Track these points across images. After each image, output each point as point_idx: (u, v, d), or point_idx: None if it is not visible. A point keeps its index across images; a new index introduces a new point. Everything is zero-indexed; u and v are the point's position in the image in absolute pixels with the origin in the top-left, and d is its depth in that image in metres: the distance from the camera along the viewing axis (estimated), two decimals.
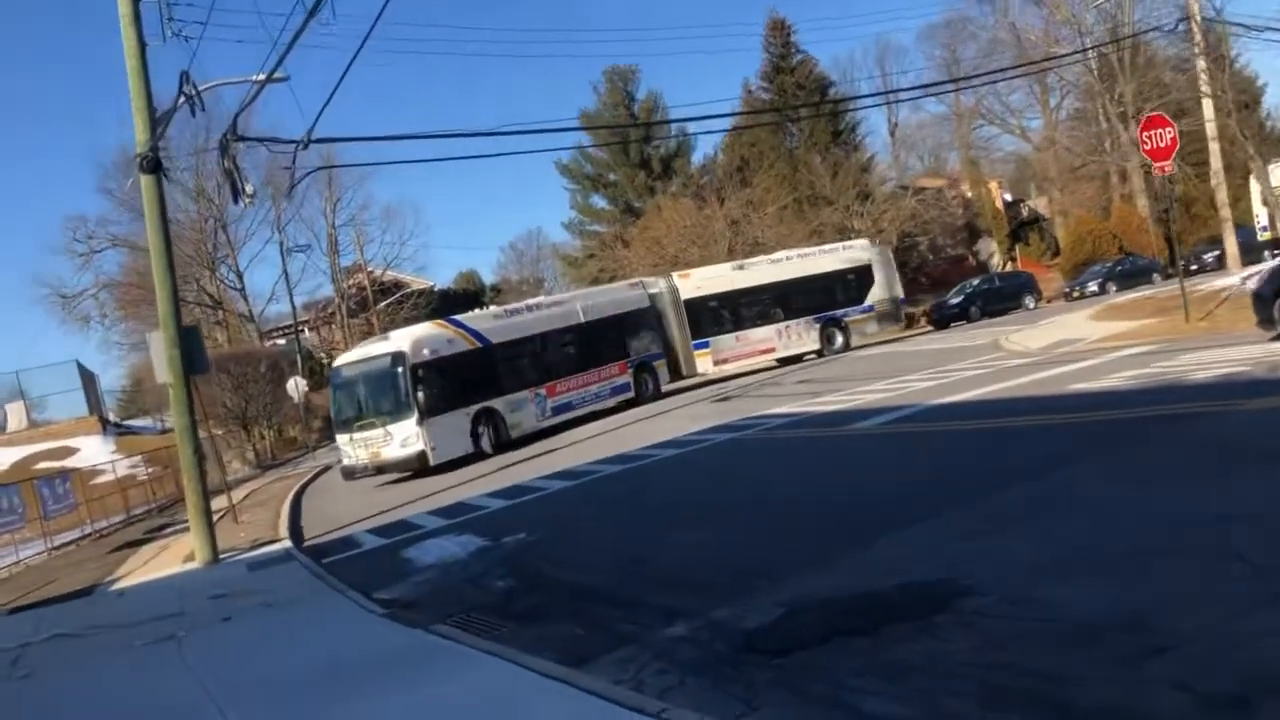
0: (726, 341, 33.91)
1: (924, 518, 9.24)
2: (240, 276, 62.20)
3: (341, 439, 25.81)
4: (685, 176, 60.05)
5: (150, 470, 43.30)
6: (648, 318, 32.44)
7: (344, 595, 12.26)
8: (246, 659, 9.59)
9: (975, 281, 46.13)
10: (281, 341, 64.88)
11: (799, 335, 35.34)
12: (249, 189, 18.81)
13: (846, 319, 36.24)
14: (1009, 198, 70.40)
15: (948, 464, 12.13)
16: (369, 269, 63.14)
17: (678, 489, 14.92)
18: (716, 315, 33.98)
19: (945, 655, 5.94)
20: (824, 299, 35.79)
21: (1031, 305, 43.07)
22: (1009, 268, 62.32)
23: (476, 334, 27.20)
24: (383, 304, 62.00)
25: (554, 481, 18.26)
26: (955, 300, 43.45)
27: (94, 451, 49.25)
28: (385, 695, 7.33)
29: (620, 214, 62.74)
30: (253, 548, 18.56)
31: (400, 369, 24.58)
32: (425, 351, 25.32)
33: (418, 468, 24.49)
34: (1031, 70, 49.87)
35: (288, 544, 18.20)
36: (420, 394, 24.53)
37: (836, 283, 36.22)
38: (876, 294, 37.14)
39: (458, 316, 28.91)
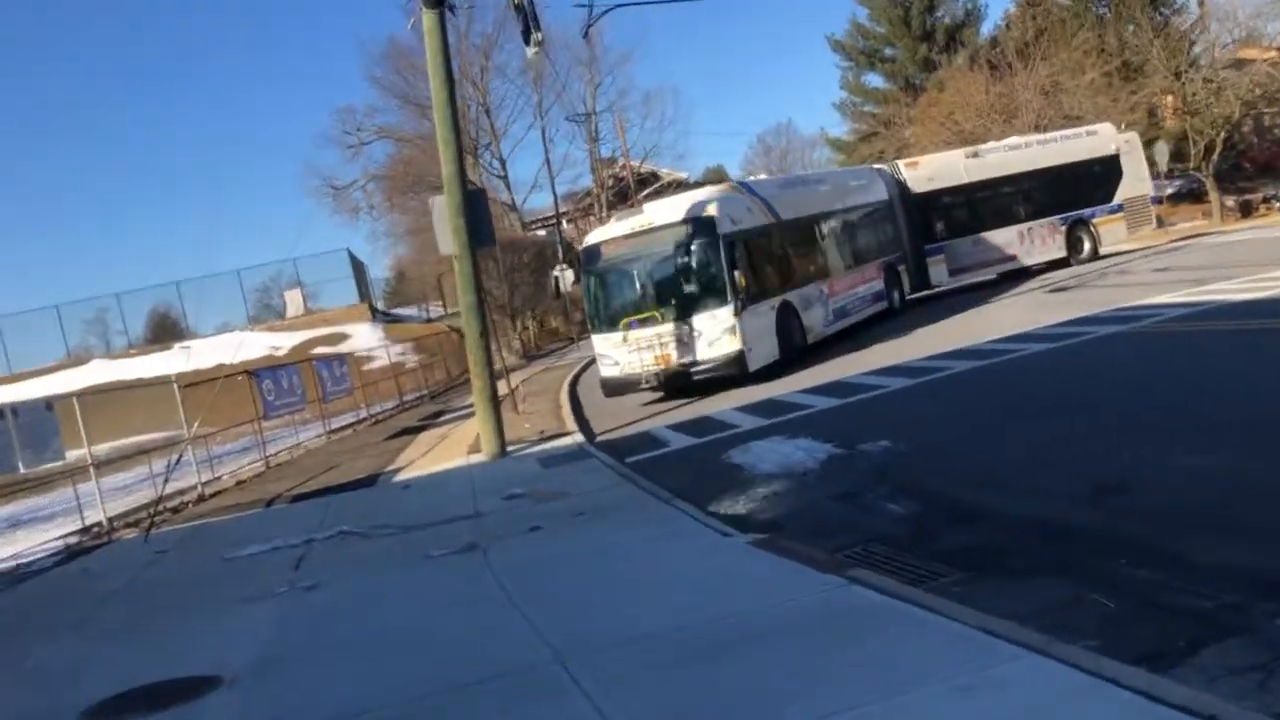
0: (963, 247, 28.04)
1: None
2: (503, 164, 61.53)
3: (602, 341, 19.48)
4: (974, 48, 54.27)
5: (419, 358, 43.44)
6: (889, 212, 27.03)
7: (671, 506, 9.89)
8: (583, 594, 7.28)
9: None
10: (542, 233, 64.22)
11: (1042, 239, 29.19)
12: (538, 36, 16.44)
13: (1094, 219, 29.94)
14: None
15: None
16: (629, 158, 61.08)
17: (1089, 390, 11.60)
18: (949, 214, 28.19)
19: None
20: (1069, 195, 29.55)
21: None
22: None
23: (769, 205, 21.45)
24: (642, 195, 59.95)
25: (889, 379, 15.32)
26: None
27: (365, 338, 50.20)
28: (888, 698, 4.55)
29: (899, 92, 57.67)
30: (541, 440, 16.69)
31: (710, 240, 18.24)
32: (731, 221, 19.06)
33: (734, 373, 18.11)
34: None
35: (579, 438, 16.21)
36: (736, 274, 18.27)
37: (1083, 176, 29.93)
38: (1126, 190, 30.56)
39: (748, 180, 25.45)
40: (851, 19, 61.70)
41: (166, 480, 16.04)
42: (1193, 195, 48.78)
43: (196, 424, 18.74)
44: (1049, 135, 32.60)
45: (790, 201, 22.63)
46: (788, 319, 20.27)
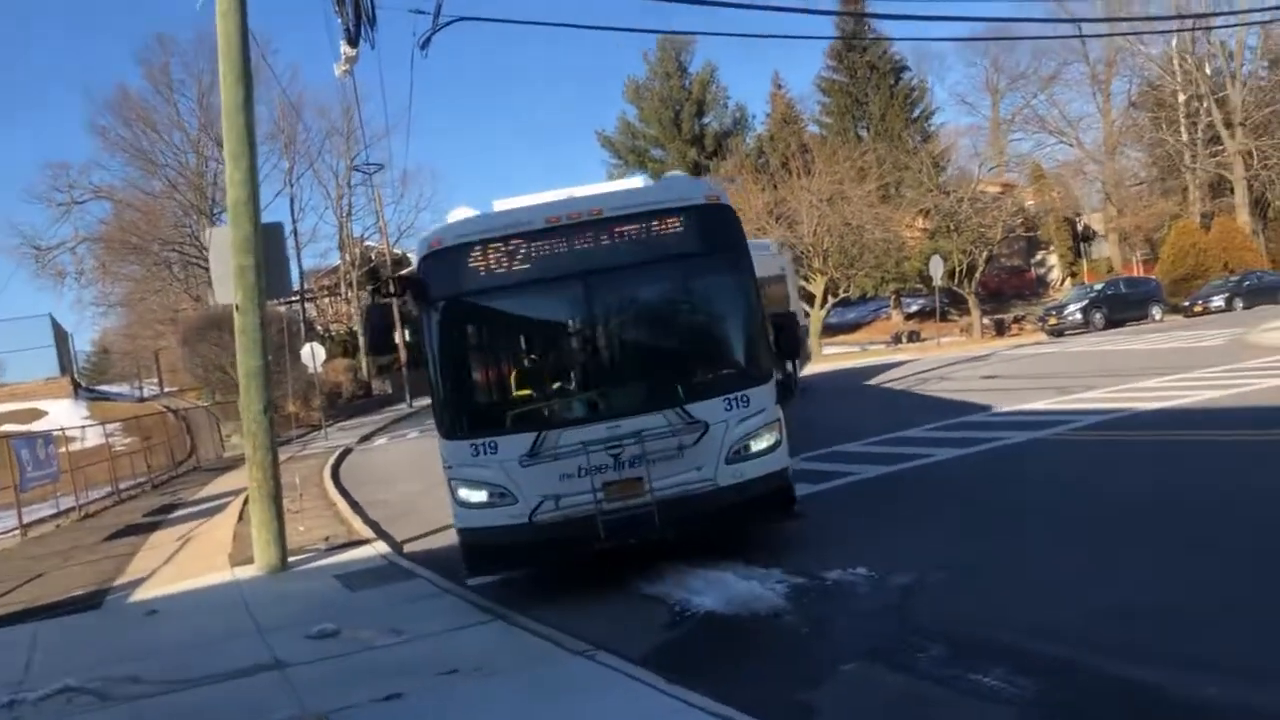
0: None
1: None
2: None
3: (473, 453, 8.91)
4: (740, 156, 54.66)
5: (128, 441, 37.54)
6: None
7: (595, 663, 6.88)
8: None
9: (1098, 286, 41.12)
10: (282, 309, 59.06)
11: None
12: (350, 53, 13.39)
13: None
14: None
15: None
16: (385, 234, 57.26)
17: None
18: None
19: None
20: None
21: (1158, 316, 38.24)
22: (1069, 282, 57.65)
23: None
24: (397, 275, 56.22)
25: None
26: (1075, 307, 38.45)
27: (63, 416, 43.59)
28: None
29: None
30: (330, 549, 13.09)
31: (731, 253, 9.21)
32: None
33: (777, 507, 9.26)
34: (1176, 29, 45.14)
35: (381, 547, 12.79)
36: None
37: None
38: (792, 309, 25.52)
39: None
40: (621, 116, 61.36)
41: None
42: (932, 313, 50.34)
43: None
44: None
45: None
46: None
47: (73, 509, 23.16)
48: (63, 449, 24.75)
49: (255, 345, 11.86)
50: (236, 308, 11.80)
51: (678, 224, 8.94)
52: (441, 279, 8.94)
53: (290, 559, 12.38)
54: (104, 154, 59.27)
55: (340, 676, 7.42)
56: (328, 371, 42.68)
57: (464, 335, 9.48)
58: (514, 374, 9.56)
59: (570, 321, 9.24)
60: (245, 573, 12.18)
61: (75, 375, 55.22)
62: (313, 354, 35.92)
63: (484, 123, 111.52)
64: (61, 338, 53.18)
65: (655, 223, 8.91)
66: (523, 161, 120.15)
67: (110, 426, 35.67)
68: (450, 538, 13.15)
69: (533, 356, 9.78)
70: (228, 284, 11.90)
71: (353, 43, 12.10)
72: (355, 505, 17.49)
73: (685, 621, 7.84)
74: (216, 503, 20.88)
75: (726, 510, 8.74)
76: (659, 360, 9.46)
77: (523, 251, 8.87)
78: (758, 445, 8.83)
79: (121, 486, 27.14)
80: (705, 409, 8.70)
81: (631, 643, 7.29)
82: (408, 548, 12.95)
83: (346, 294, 59.81)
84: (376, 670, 7.39)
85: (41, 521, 22.09)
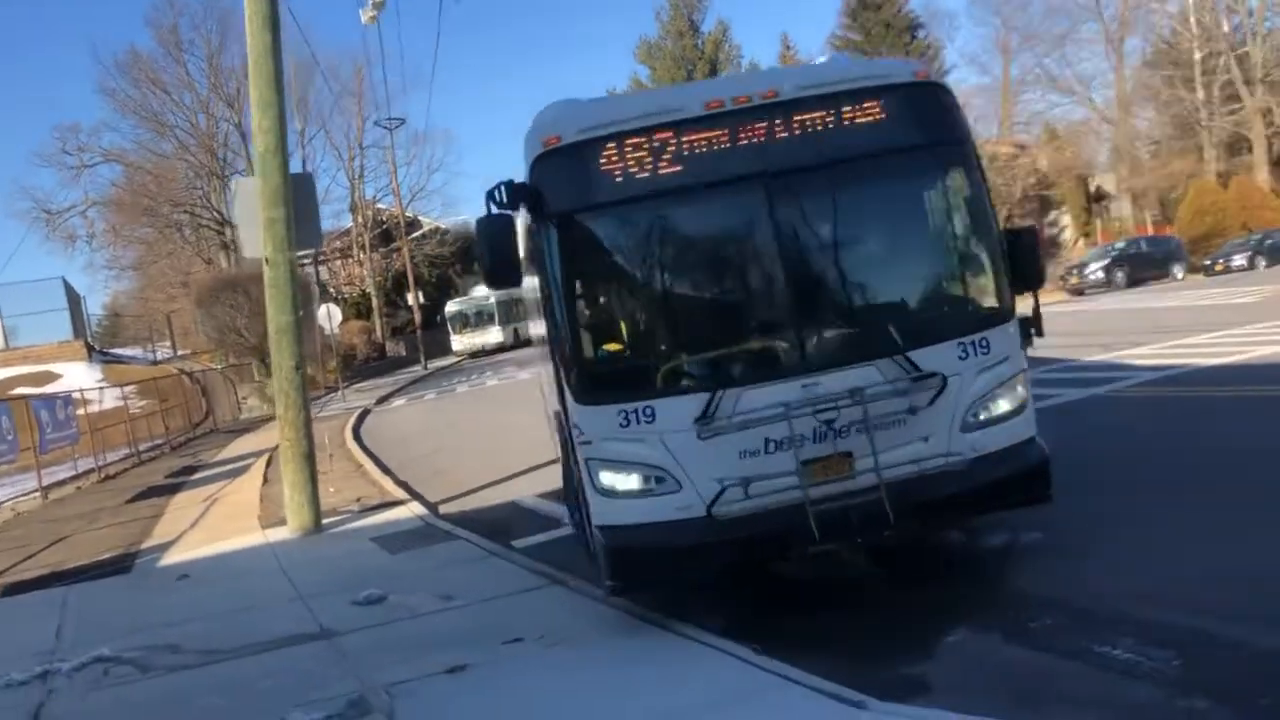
0: None
1: None
2: None
3: (619, 421, 6.43)
4: None
5: (145, 403, 37.22)
6: None
7: (678, 635, 6.40)
8: None
9: (1120, 245, 40.45)
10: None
11: None
12: None
13: None
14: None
15: None
16: (399, 195, 56.57)
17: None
18: None
19: None
20: None
21: (1180, 275, 37.58)
22: (1083, 242, 56.87)
23: None
24: (410, 238, 55.63)
25: None
26: (1097, 265, 37.80)
27: (79, 378, 43.19)
28: None
29: None
30: (364, 511, 12.68)
31: (953, 145, 6.79)
32: None
33: (1028, 491, 6.68)
34: None
35: (416, 508, 12.38)
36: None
37: None
38: None
39: None
40: (634, 77, 60.35)
41: None
42: None
43: None
44: None
45: None
46: None
47: (92, 471, 22.83)
48: (80, 411, 24.41)
49: (286, 300, 11.39)
50: (266, 260, 11.30)
51: (880, 109, 6.54)
52: (564, 188, 6.51)
53: (323, 521, 11.96)
54: (114, 116, 58.68)
55: (394, 645, 6.98)
56: (343, 333, 42.26)
57: (600, 263, 6.84)
58: (670, 315, 6.90)
59: (746, 242, 6.69)
60: (278, 535, 11.78)
61: (89, 339, 54.87)
62: (329, 315, 35.44)
63: (496, 86, 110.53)
64: (74, 301, 52.72)
65: (851, 108, 6.52)
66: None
67: (127, 389, 35.42)
68: (487, 499, 12.92)
69: (695, 291, 7.05)
70: (256, 237, 11.39)
71: None
72: (383, 466, 17.07)
73: (788, 582, 7.37)
74: (238, 464, 20.50)
75: (972, 495, 6.40)
76: (867, 293, 6.92)
77: (674, 148, 6.42)
78: (1000, 406, 6.54)
79: (140, 448, 26.82)
80: (933, 357, 6.33)
81: (705, 610, 6.82)
82: (442, 509, 12.53)
83: (359, 256, 59.24)
84: (433, 639, 6.96)
85: (61, 484, 21.78)
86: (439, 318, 54.52)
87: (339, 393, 39.20)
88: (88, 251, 62.83)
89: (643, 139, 6.40)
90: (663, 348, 6.79)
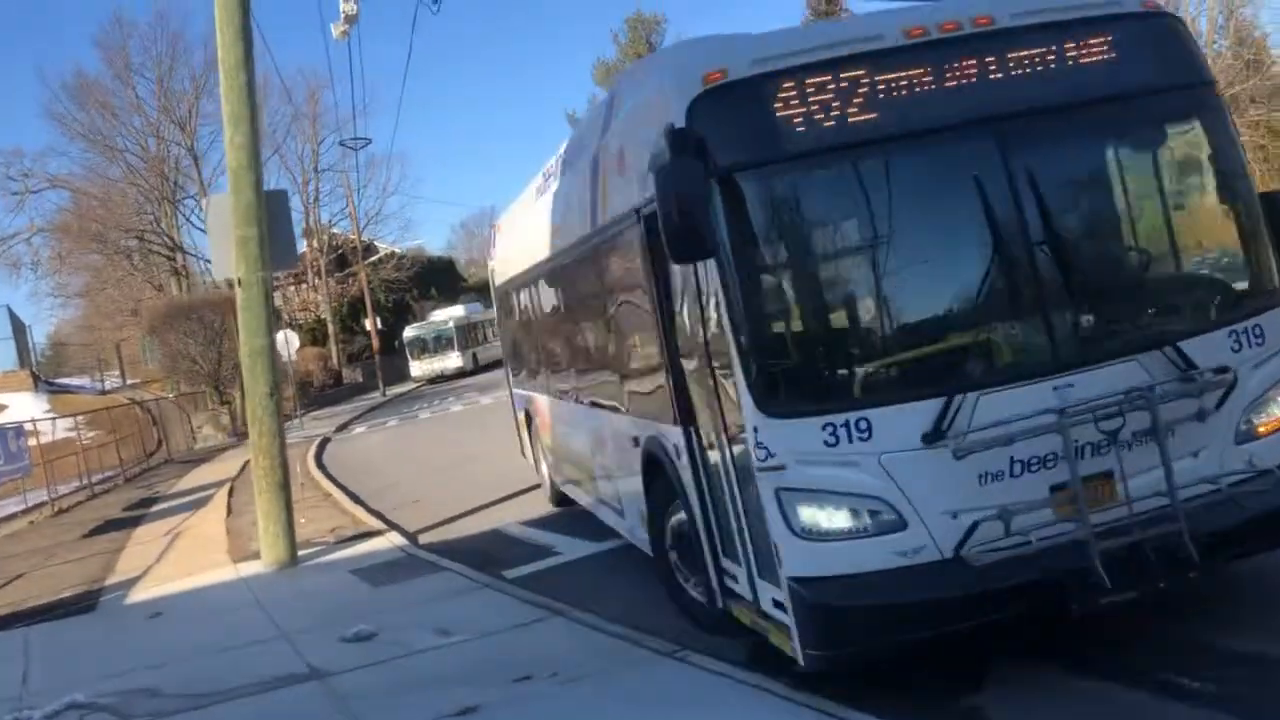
0: None
1: None
2: None
3: (829, 445, 5.02)
4: None
5: (93, 434, 36.20)
6: None
7: (686, 665, 6.06)
8: None
9: None
10: None
11: None
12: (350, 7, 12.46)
13: None
14: None
15: None
16: (356, 220, 55.83)
17: None
18: None
19: None
20: None
21: None
22: None
23: None
24: (367, 262, 54.83)
25: None
26: None
27: (25, 409, 42.04)
28: None
29: None
30: (340, 542, 12.19)
31: (1188, 68, 5.67)
32: None
33: None
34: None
35: (395, 539, 11.92)
36: None
37: None
38: None
39: None
40: (592, 99, 60.16)
41: None
42: None
43: None
44: None
45: None
46: None
47: (44, 504, 21.98)
48: (31, 442, 23.55)
49: (260, 323, 10.92)
50: (239, 282, 10.83)
51: (1111, 44, 5.34)
52: (736, 136, 5.12)
53: (299, 553, 11.46)
54: (61, 140, 57.51)
55: (393, 686, 6.57)
56: (299, 360, 41.46)
57: (786, 232, 5.33)
58: (883, 299, 5.36)
59: (974, 206, 5.20)
60: (251, 569, 11.27)
61: (34, 368, 53.58)
62: (286, 341, 34.72)
63: (451, 109, 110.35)
64: (20, 330, 51.51)
65: (1079, 41, 5.33)
66: (490, 145, 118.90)
67: (78, 419, 34.40)
68: (469, 528, 12.49)
69: (913, 267, 5.42)
70: (228, 257, 10.93)
71: None
72: (354, 495, 16.53)
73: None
74: (199, 495, 19.84)
75: (1269, 524, 5.11)
76: (1122, 270, 5.69)
77: (869, 86, 5.13)
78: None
79: (93, 480, 25.96)
80: (1204, 349, 5.11)
81: (722, 642, 6.47)
82: (423, 539, 12.08)
83: (314, 281, 58.34)
84: (435, 678, 6.55)
85: (11, 518, 20.98)
86: (397, 343, 53.81)
87: (297, 420, 38.38)
88: (33, 279, 61.18)
89: (829, 75, 5.12)
90: (876, 341, 5.31)
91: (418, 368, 51.88)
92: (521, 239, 11.03)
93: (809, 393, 5.10)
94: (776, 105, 5.07)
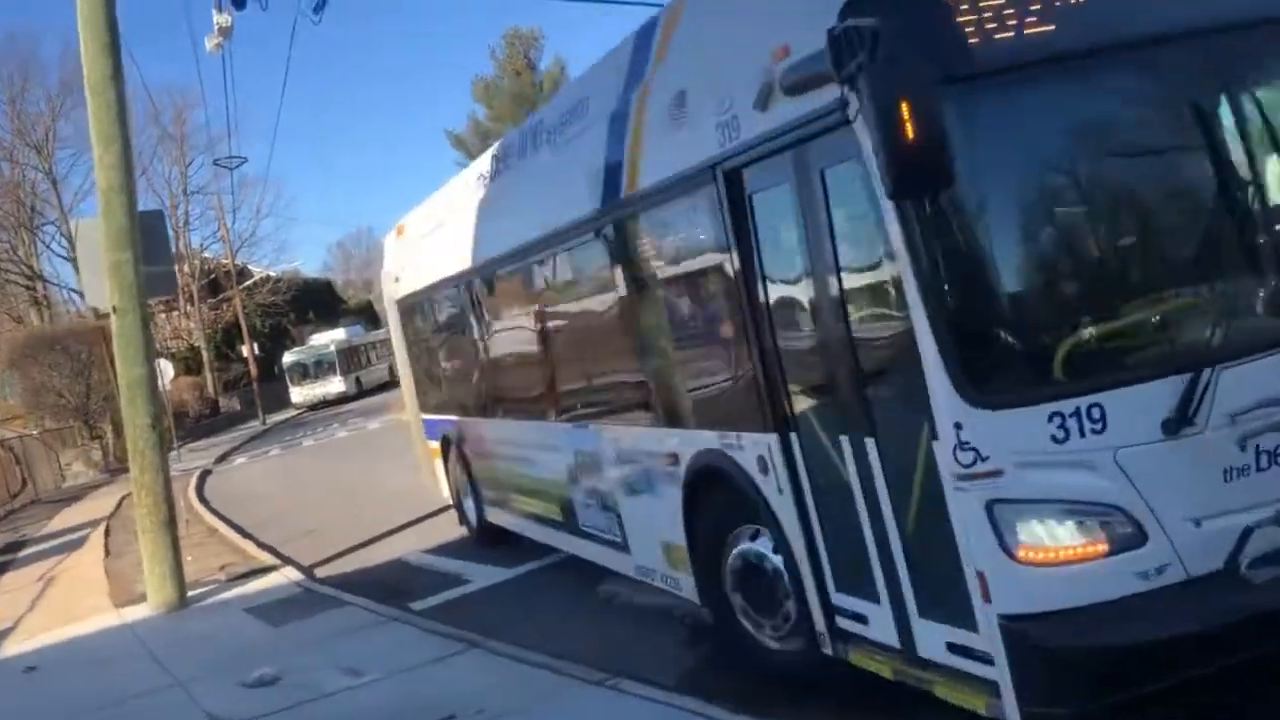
0: None
1: None
2: (72, 244, 52.08)
3: (1058, 441, 3.93)
4: None
5: None
6: None
7: (617, 692, 5.81)
8: None
9: None
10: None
11: None
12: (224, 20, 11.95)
13: None
14: None
15: None
16: (230, 243, 54.11)
17: None
18: None
19: None
20: None
21: None
22: None
23: None
24: (241, 287, 53.17)
25: None
26: None
27: None
28: None
29: None
30: (232, 580, 11.57)
31: None
32: None
33: None
34: None
35: (291, 574, 11.38)
36: None
37: None
38: None
39: None
40: (471, 116, 59.70)
41: None
42: None
43: None
44: None
45: None
46: None
47: None
48: None
49: (138, 352, 10.29)
50: (113, 310, 10.19)
51: None
52: (909, 47, 3.66)
53: (188, 594, 10.83)
54: None
55: None
56: (174, 390, 39.87)
57: (979, 168, 4.03)
58: (1116, 248, 4.36)
59: (1201, 135, 4.27)
60: (136, 613, 10.58)
61: None
62: (161, 371, 33.34)
63: (326, 128, 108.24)
64: None
65: None
66: (368, 166, 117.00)
67: None
68: (368, 558, 12.00)
69: (1139, 216, 4.38)
70: (101, 284, 10.28)
71: (239, 3, 10.60)
72: (241, 530, 15.81)
73: (699, 632, 6.84)
74: (72, 537, 18.73)
75: None
76: None
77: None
78: None
79: None
80: None
81: (653, 665, 6.24)
82: (320, 573, 11.57)
83: (186, 308, 56.28)
84: None
85: None
86: (276, 369, 52.28)
87: (175, 452, 36.86)
88: None
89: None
90: (1113, 303, 4.12)
91: (298, 394, 50.50)
92: (449, 238, 9.67)
93: (1030, 374, 4.01)
94: (952, 12, 3.92)
